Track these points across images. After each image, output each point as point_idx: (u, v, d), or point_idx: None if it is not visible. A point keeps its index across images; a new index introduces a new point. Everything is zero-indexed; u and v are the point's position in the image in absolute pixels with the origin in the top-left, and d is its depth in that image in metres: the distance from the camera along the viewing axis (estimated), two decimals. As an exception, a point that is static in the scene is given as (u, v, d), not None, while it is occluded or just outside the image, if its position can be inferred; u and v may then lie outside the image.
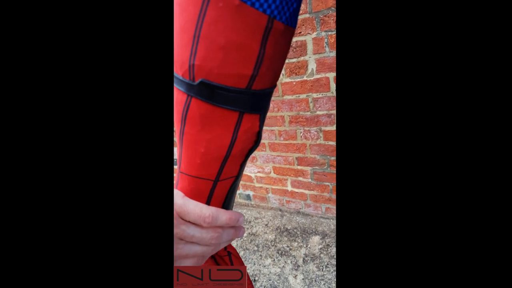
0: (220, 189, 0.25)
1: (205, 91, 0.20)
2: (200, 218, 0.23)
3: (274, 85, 0.23)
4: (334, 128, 1.21)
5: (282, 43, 0.20)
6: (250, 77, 0.20)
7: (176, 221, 0.23)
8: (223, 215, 0.24)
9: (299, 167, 1.40)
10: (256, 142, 0.24)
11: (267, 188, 1.59)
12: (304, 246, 1.32)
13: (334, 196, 1.38)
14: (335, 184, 1.34)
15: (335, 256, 1.22)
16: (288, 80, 1.21)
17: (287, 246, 1.33)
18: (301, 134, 1.30)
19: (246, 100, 0.21)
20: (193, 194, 0.25)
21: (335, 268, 1.16)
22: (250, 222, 1.57)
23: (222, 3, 0.18)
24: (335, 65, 1.09)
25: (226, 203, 0.27)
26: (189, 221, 0.24)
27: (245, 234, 1.47)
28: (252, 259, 1.29)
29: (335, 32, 1.04)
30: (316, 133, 1.26)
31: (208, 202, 0.26)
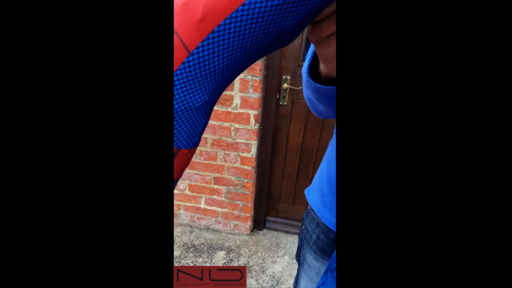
0: None
1: None
2: None
3: (180, 176, 0.29)
4: (250, 155, 1.41)
5: (186, 158, 0.25)
6: None
7: None
8: None
9: (215, 186, 1.52)
10: None
11: (179, 205, 1.61)
12: (209, 261, 1.40)
13: (243, 214, 1.56)
14: (249, 204, 1.53)
15: (238, 267, 1.37)
16: (215, 108, 1.34)
17: (192, 262, 1.38)
18: (221, 157, 1.44)
19: None
20: None
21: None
22: (157, 239, 1.52)
23: None
24: (256, 105, 1.31)
25: None
26: None
27: (151, 253, 1.42)
28: (158, 277, 1.27)
29: (259, 78, 1.27)
30: (234, 157, 1.43)
31: None
